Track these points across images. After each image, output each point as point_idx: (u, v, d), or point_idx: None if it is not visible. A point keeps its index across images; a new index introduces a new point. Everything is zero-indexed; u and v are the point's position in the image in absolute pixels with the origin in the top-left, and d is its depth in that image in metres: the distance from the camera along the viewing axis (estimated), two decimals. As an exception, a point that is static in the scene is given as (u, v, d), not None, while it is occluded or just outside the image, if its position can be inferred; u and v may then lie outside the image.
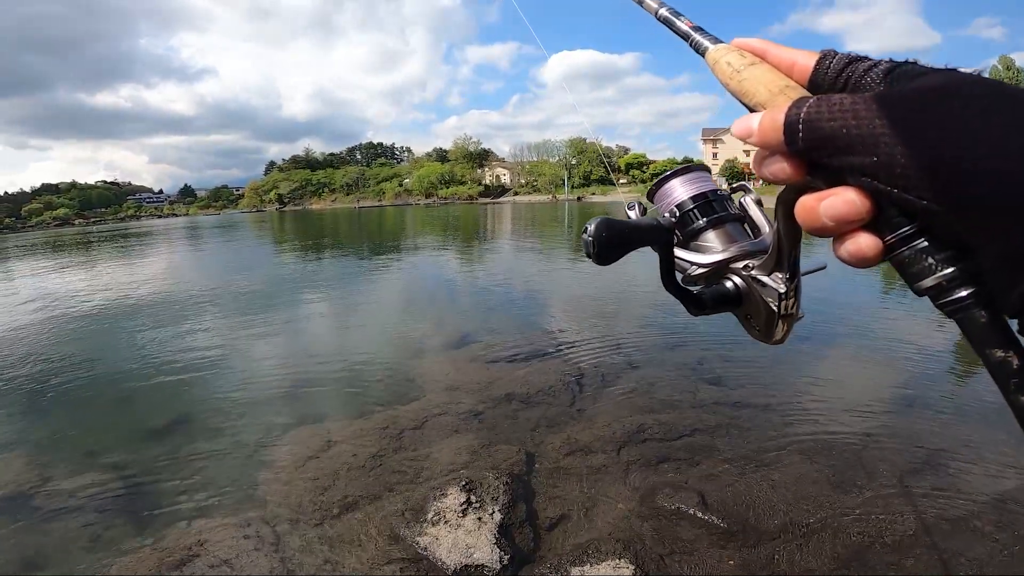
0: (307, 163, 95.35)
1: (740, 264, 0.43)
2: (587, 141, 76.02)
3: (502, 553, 2.60)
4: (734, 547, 2.62)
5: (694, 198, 0.47)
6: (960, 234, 0.25)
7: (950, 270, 0.26)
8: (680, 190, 0.48)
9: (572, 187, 70.05)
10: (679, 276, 0.46)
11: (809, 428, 3.75)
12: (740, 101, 0.36)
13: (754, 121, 0.30)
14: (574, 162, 74.29)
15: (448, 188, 77.98)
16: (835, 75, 0.32)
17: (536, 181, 75.27)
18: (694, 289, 0.44)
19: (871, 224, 0.27)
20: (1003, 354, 0.25)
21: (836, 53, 0.33)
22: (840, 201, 0.27)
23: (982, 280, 0.25)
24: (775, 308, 0.40)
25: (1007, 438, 3.46)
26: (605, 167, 67.65)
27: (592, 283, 9.71)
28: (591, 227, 0.40)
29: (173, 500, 3.28)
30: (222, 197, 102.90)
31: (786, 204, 0.32)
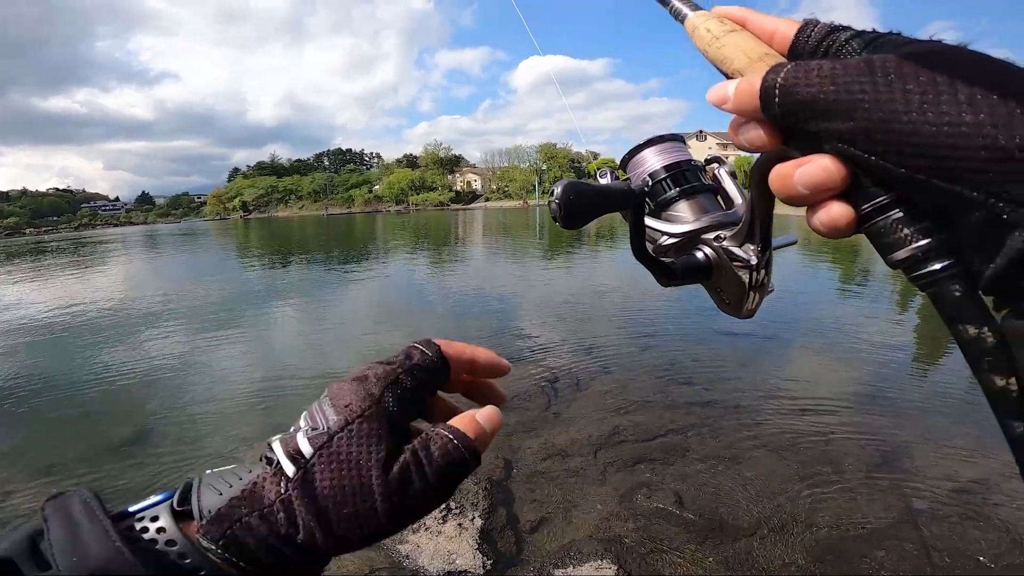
0: (273, 169, 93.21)
1: (712, 235, 0.42)
2: (558, 147, 76.87)
3: (484, 558, 2.59)
4: (712, 544, 2.67)
5: (667, 167, 0.46)
6: (937, 204, 0.24)
7: (925, 241, 0.25)
8: (653, 159, 0.46)
9: (543, 192, 70.58)
10: (649, 247, 0.44)
11: (777, 425, 3.87)
12: (718, 68, 0.35)
13: (730, 87, 0.29)
14: (545, 167, 74.90)
15: (419, 194, 77.43)
16: (816, 43, 0.31)
17: (507, 187, 75.55)
18: (665, 261, 0.43)
19: (846, 194, 0.27)
20: (976, 331, 0.24)
21: (818, 22, 0.32)
22: (816, 168, 0.27)
23: (958, 253, 0.25)
24: (746, 279, 0.39)
25: (966, 430, 3.65)
26: (574, 172, 68.46)
27: (564, 288, 9.80)
28: (558, 189, 0.38)
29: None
30: (183, 205, 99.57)
31: (761, 173, 0.31)
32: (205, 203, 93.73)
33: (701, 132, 76.90)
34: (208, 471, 0.37)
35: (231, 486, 0.35)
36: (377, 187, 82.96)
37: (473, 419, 0.38)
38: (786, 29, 0.33)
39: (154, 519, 0.33)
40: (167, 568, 0.31)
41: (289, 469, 0.34)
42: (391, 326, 7.59)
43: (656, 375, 4.95)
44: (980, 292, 0.24)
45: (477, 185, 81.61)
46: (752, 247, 0.39)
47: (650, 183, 0.46)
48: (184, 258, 21.55)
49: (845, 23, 0.31)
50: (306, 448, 0.35)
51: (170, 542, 0.32)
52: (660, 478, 3.23)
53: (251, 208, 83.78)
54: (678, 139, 0.48)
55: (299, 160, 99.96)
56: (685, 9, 0.39)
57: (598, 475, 3.33)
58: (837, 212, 0.27)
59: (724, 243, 0.41)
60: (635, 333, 6.37)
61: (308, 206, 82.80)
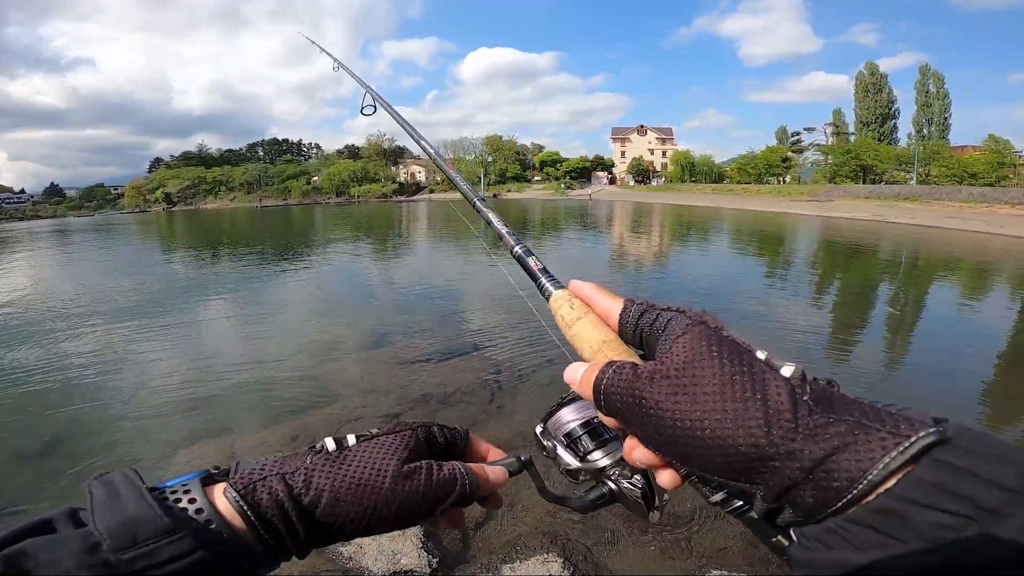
0: (201, 160, 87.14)
1: (612, 471, 0.50)
2: (504, 139, 76.81)
3: (430, 556, 2.56)
4: (653, 533, 2.74)
5: (582, 425, 0.52)
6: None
7: (723, 492, 0.36)
8: (569, 417, 0.53)
9: (488, 184, 70.36)
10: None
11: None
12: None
13: (578, 375, 0.39)
14: (491, 159, 74.68)
15: (361, 186, 75.02)
16: (632, 327, 0.41)
17: (452, 178, 74.47)
18: (574, 503, 0.51)
19: (668, 462, 0.36)
20: (775, 540, 0.34)
21: (633, 304, 0.42)
22: (640, 454, 0.37)
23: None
24: (642, 502, 0.48)
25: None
26: (520, 164, 68.70)
27: (507, 281, 9.75)
28: None
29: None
30: (97, 197, 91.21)
31: (622, 437, 0.40)
32: (123, 195, 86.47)
33: (642, 127, 79.21)
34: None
35: (273, 459, 0.42)
36: (316, 178, 79.64)
37: (482, 468, 0.47)
38: (615, 312, 0.42)
39: (187, 491, 0.37)
40: (195, 530, 0.35)
41: (330, 445, 0.43)
42: (331, 321, 7.30)
43: (599, 364, 5.03)
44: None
45: (421, 177, 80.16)
46: (638, 477, 0.48)
47: (565, 442, 0.54)
48: (99, 253, 19.76)
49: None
50: (351, 439, 0.44)
51: (199, 510, 0.36)
52: (602, 466, 3.27)
53: (175, 200, 78.01)
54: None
55: (230, 150, 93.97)
56: (550, 287, 0.49)
57: (542, 468, 3.33)
58: (664, 478, 0.37)
59: (619, 478, 0.49)
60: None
61: (240, 198, 78.06)
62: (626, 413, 0.35)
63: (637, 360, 0.39)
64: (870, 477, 0.26)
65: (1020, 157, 39.24)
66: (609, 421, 0.38)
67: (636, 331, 0.41)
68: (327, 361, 5.55)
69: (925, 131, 49.95)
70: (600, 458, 0.52)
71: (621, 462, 0.50)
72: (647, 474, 0.48)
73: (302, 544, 0.39)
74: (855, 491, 0.27)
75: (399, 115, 1.06)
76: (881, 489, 0.26)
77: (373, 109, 1.24)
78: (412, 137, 0.97)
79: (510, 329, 6.31)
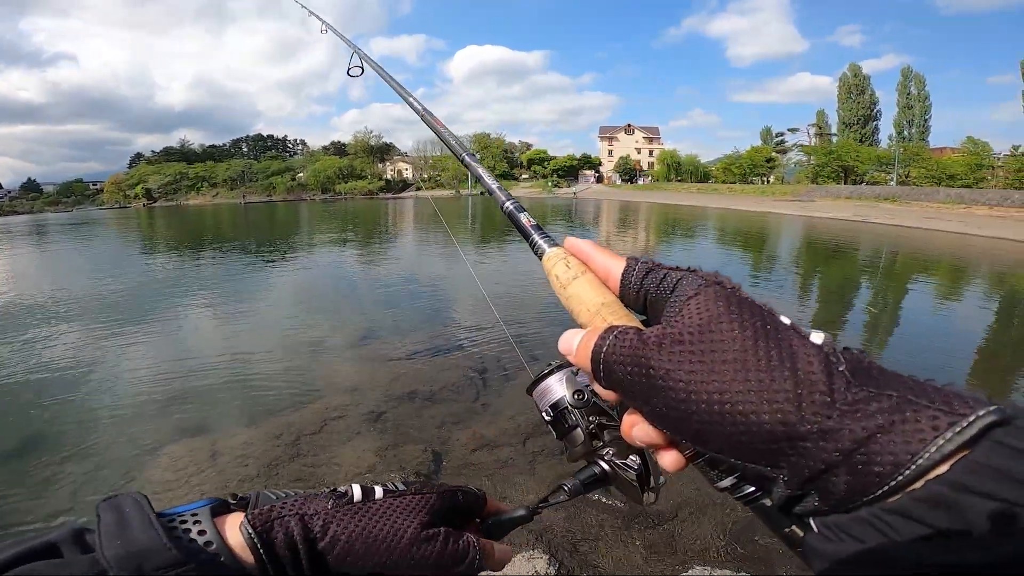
0: (183, 155, 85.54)
1: (604, 451, 0.48)
2: (491, 137, 76.59)
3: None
4: (638, 529, 2.75)
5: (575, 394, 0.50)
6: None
7: (733, 477, 0.32)
8: (557, 388, 0.51)
9: (475, 182, 70.06)
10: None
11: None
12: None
13: (574, 344, 0.35)
14: (478, 156, 74.28)
15: (347, 183, 74.28)
16: (636, 288, 0.37)
17: (439, 176, 74.40)
18: (565, 485, 0.50)
19: (673, 441, 0.32)
20: (788, 530, 0.30)
21: (636, 265, 0.37)
22: (641, 432, 0.33)
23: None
24: (636, 484, 0.46)
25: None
26: (508, 162, 68.61)
27: (494, 279, 9.78)
28: None
29: (32, 530, 2.76)
30: (75, 192, 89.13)
31: (621, 412, 0.36)
32: (102, 191, 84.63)
33: (629, 126, 79.56)
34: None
35: (294, 496, 0.42)
36: (302, 175, 78.68)
37: (492, 546, 0.48)
38: (616, 271, 0.38)
39: (196, 521, 0.37)
40: (202, 563, 0.34)
41: (357, 494, 0.43)
42: (316, 319, 7.22)
43: (584, 362, 5.04)
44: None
45: (408, 174, 79.64)
46: (634, 457, 0.46)
47: (552, 413, 0.52)
48: (77, 249, 19.31)
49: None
50: (379, 492, 0.44)
51: (208, 543, 0.36)
52: (587, 463, 3.29)
53: (156, 196, 76.50)
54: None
55: (213, 146, 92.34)
56: (543, 245, 0.44)
57: (527, 465, 3.34)
58: (667, 460, 0.33)
59: (613, 457, 0.48)
60: (562, 323, 6.45)
61: (223, 194, 76.78)
62: (630, 385, 0.31)
63: (641, 327, 0.34)
64: (920, 461, 0.23)
65: (998, 159, 40.16)
66: (607, 394, 0.33)
67: (640, 293, 0.36)
68: (311, 359, 5.49)
69: (906, 132, 50.90)
70: (586, 433, 0.49)
71: (616, 441, 0.48)
72: (644, 453, 0.46)
73: None
74: (900, 477, 0.23)
75: (387, 73, 1.01)
76: (931, 475, 0.23)
77: (360, 70, 1.19)
78: (400, 95, 0.92)
79: (495, 328, 6.30)
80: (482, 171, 0.60)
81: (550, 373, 0.52)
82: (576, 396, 0.48)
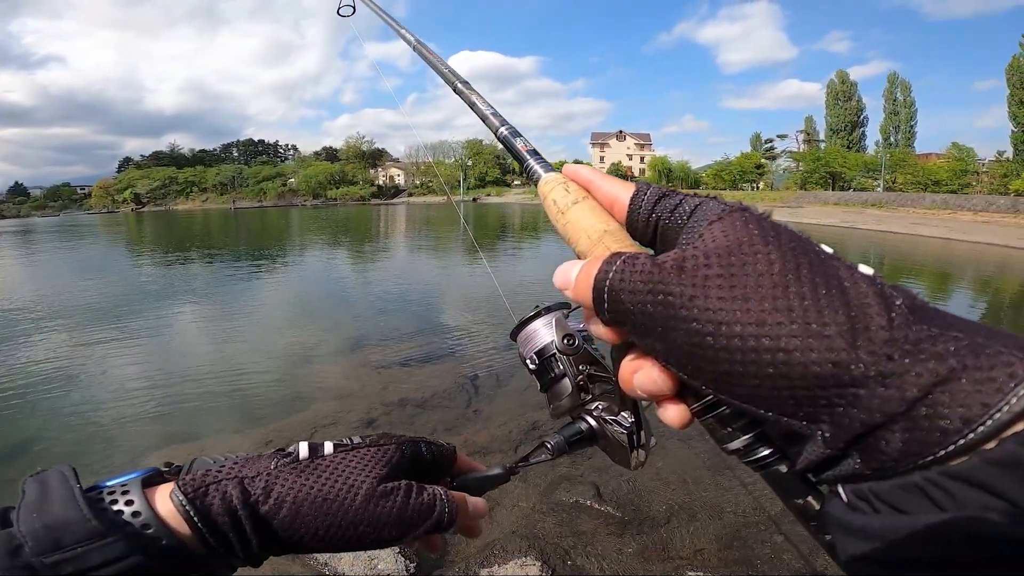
0: (172, 160, 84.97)
1: (593, 405, 0.45)
2: (484, 143, 76.83)
3: (407, 561, 2.52)
4: (630, 535, 2.74)
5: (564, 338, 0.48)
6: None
7: (747, 436, 0.27)
8: (544, 332, 0.48)
9: (468, 188, 70.22)
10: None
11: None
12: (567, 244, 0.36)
13: (572, 274, 0.29)
14: (470, 163, 74.56)
15: (338, 188, 74.08)
16: (647, 216, 0.32)
17: (432, 182, 74.41)
18: (548, 442, 0.47)
19: (681, 391, 0.28)
20: (802, 501, 0.26)
21: (647, 189, 0.33)
22: (645, 378, 0.28)
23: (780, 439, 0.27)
24: (626, 442, 0.43)
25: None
26: (500, 168, 68.80)
27: (485, 284, 9.77)
28: None
29: None
30: (63, 196, 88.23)
31: (617, 357, 0.31)
32: (90, 195, 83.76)
33: (621, 132, 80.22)
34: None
35: (233, 459, 0.38)
36: (292, 180, 78.38)
37: (464, 498, 0.44)
38: (624, 198, 0.33)
39: (125, 491, 0.35)
40: (128, 535, 0.32)
41: (303, 451, 0.39)
42: (306, 325, 7.17)
43: (577, 367, 5.04)
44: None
45: (400, 180, 79.62)
46: (626, 414, 0.43)
47: (537, 360, 0.50)
48: (64, 254, 19.06)
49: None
50: (328, 447, 0.40)
51: (135, 513, 0.34)
52: (579, 471, 3.27)
53: (145, 200, 75.85)
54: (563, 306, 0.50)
55: (203, 150, 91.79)
56: (539, 170, 0.41)
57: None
58: (671, 414, 0.28)
59: (603, 412, 0.45)
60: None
61: (213, 199, 76.29)
62: (642, 317, 0.25)
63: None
64: (997, 415, 0.18)
65: (983, 165, 40.87)
66: (608, 333, 0.28)
67: (650, 220, 0.32)
68: (301, 365, 5.44)
69: (892, 139, 51.67)
70: (574, 384, 0.46)
71: (606, 394, 0.44)
72: (637, 409, 0.42)
73: (255, 554, 0.37)
74: (972, 435, 0.19)
75: (382, 10, 0.95)
76: (1007, 433, 0.18)
77: (352, 9, 1.11)
78: (396, 30, 0.88)
79: (488, 333, 6.28)
80: (476, 98, 0.56)
81: (537, 315, 0.48)
82: (566, 341, 0.43)
